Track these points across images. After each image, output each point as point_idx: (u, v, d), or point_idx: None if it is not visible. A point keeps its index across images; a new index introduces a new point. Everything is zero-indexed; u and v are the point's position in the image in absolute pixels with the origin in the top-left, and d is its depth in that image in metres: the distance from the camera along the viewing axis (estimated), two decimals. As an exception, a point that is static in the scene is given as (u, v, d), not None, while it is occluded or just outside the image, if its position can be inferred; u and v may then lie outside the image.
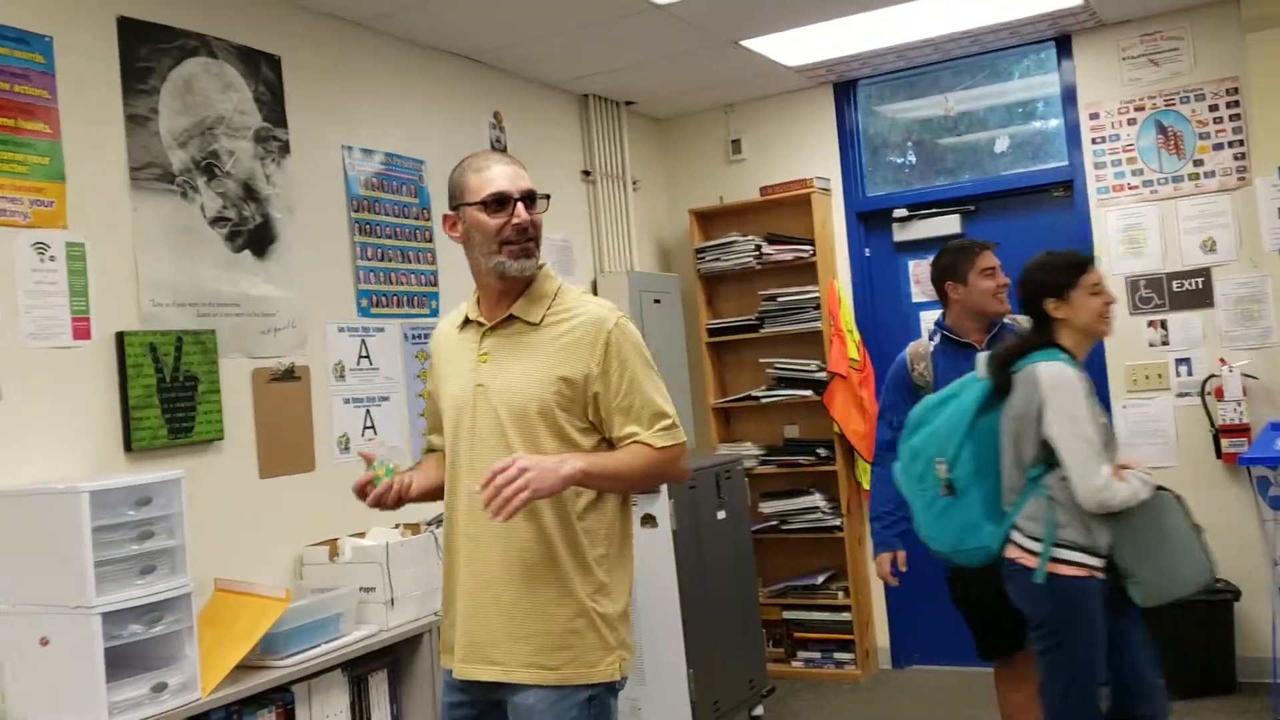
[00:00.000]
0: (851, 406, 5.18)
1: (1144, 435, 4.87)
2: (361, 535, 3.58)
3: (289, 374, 3.54)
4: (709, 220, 5.64)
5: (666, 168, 5.89)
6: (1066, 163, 5.08)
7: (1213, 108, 4.79)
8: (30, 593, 2.65)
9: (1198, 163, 4.82)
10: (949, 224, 5.26)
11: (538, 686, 2.07)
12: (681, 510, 4.15)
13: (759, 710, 4.56)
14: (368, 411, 3.82)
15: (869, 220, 5.51)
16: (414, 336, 4.04)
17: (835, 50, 4.98)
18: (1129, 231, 4.93)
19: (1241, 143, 4.72)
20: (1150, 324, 4.88)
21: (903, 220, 5.40)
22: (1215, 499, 4.70)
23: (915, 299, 5.42)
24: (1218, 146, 4.78)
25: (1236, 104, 4.73)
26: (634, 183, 5.48)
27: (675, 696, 4.09)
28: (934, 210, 5.32)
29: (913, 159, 5.51)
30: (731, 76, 5.23)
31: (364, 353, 3.83)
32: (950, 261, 3.56)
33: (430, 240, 4.17)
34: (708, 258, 5.53)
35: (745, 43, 4.74)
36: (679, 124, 5.88)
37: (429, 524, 3.76)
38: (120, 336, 3.03)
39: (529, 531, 2.09)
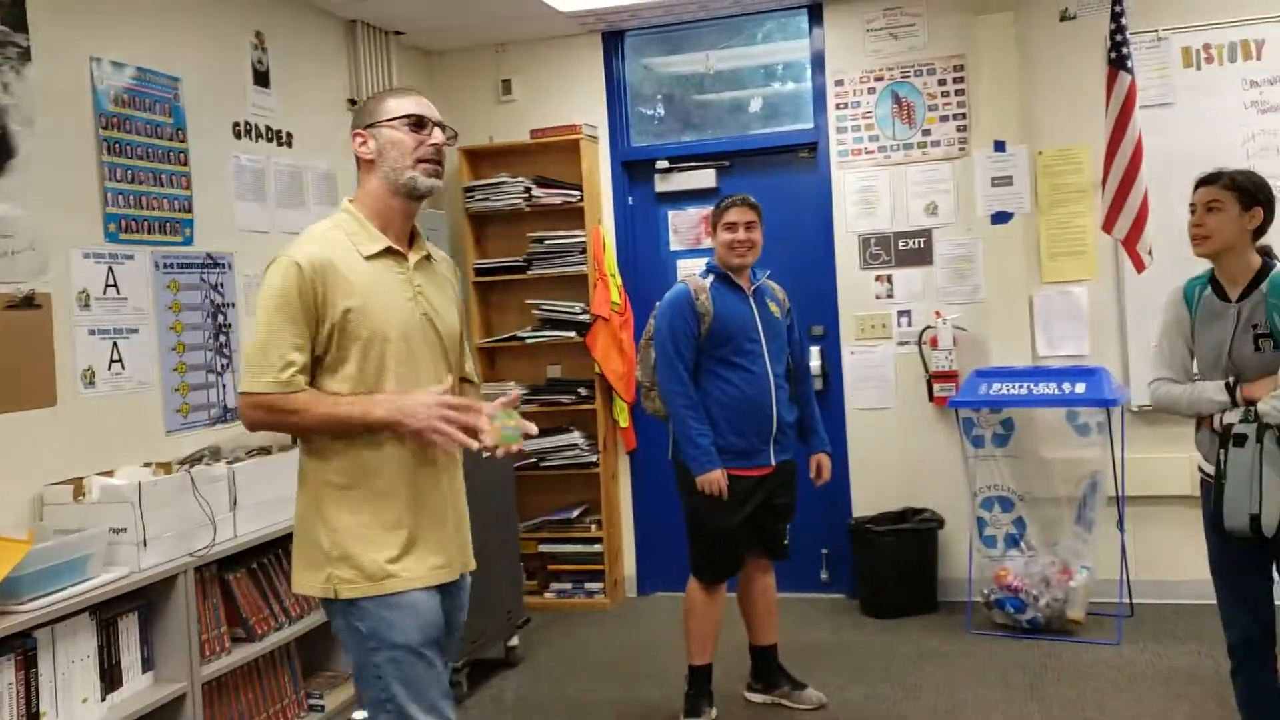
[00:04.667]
0: (612, 348, 5.37)
1: (867, 379, 5.34)
2: (109, 474, 3.42)
3: (28, 301, 3.29)
4: (478, 159, 5.63)
5: (435, 103, 5.71)
6: (813, 125, 5.41)
7: (941, 82, 5.23)
8: None
9: (926, 133, 5.26)
10: (706, 178, 5.50)
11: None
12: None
13: (514, 641, 4.71)
14: (115, 344, 3.61)
15: (633, 169, 5.66)
16: (165, 265, 3.84)
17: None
18: (863, 193, 5.33)
19: (964, 117, 5.19)
20: (878, 278, 5.32)
21: (664, 172, 5.59)
22: (926, 438, 5.25)
23: (674, 247, 5.65)
24: (944, 119, 5.24)
25: (962, 80, 5.19)
26: (400, 116, 5.36)
27: (436, 629, 4.17)
28: (693, 164, 5.55)
29: (672, 113, 5.70)
30: (503, 16, 5.21)
31: (111, 281, 3.61)
32: (713, 210, 3.95)
33: (186, 164, 3.96)
34: (477, 197, 5.52)
35: (518, -17, 4.74)
36: (449, 59, 5.80)
37: (183, 463, 3.64)
38: None
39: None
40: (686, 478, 3.77)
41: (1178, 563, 4.75)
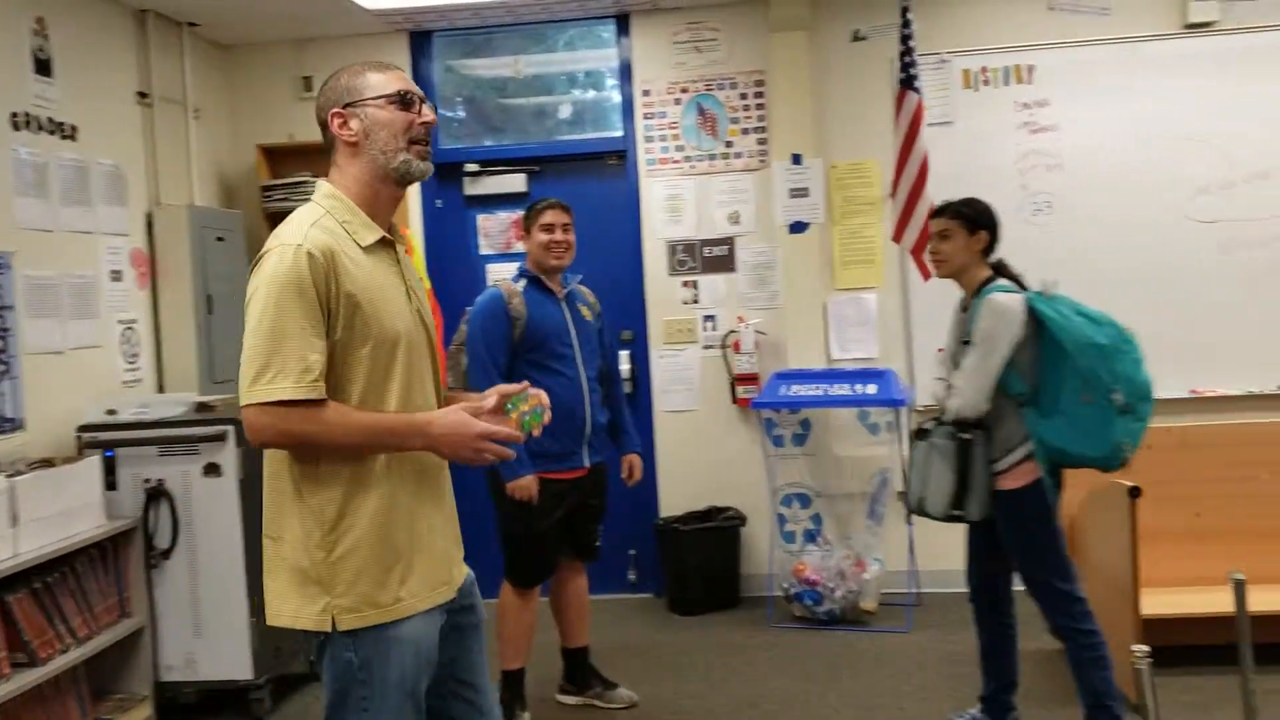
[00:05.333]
0: (421, 353, 5.30)
1: (675, 382, 5.48)
2: None
3: None
4: (278, 158, 5.44)
5: (232, 99, 5.57)
6: (621, 134, 5.52)
7: (743, 96, 5.44)
8: None
9: (729, 144, 5.45)
10: (516, 182, 5.51)
11: None
12: (247, 460, 4.03)
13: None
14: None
15: (441, 172, 5.58)
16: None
17: (413, -1, 5.01)
18: (670, 201, 5.47)
19: (764, 130, 5.41)
20: (684, 284, 5.47)
21: (473, 175, 5.57)
22: (730, 438, 5.44)
23: (483, 251, 5.63)
24: (745, 131, 5.44)
25: (762, 95, 5.41)
26: (196, 111, 5.14)
27: (236, 646, 4.02)
28: (503, 169, 5.55)
29: (481, 117, 5.69)
30: (304, 11, 5.07)
31: None
32: (525, 213, 3.97)
33: (-44, 157, 3.69)
34: (276, 196, 5.32)
35: (322, -21, 4.63)
36: (247, 54, 5.59)
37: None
38: None
39: None
40: (499, 483, 3.77)
41: (960, 553, 5.07)
